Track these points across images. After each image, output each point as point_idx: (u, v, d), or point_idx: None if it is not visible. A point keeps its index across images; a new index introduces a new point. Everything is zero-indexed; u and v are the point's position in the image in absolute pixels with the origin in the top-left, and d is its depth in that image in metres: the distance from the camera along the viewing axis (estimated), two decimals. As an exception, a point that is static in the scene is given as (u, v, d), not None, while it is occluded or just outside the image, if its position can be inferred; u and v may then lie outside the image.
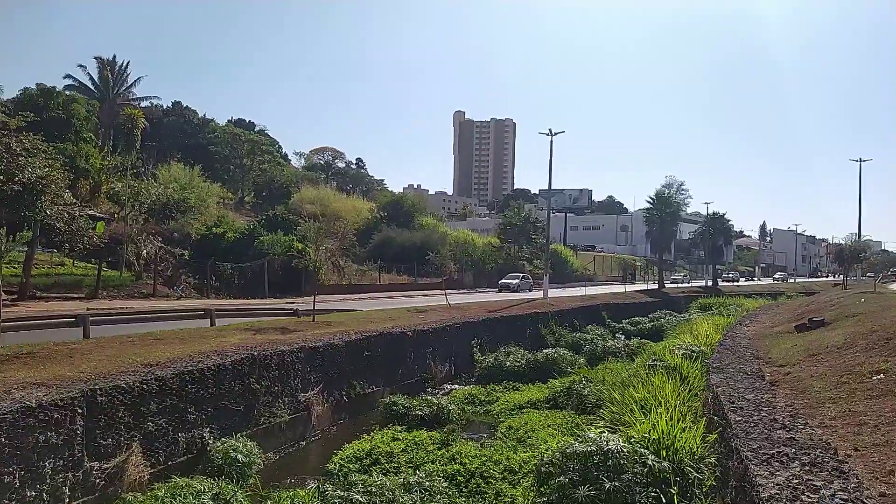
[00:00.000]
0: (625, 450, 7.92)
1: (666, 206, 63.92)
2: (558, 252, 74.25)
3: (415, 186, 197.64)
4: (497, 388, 19.27)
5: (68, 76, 73.37)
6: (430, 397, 16.46)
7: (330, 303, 28.89)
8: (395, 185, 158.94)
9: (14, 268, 25.83)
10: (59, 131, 46.02)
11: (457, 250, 59.68)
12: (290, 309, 23.13)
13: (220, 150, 78.35)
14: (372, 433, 13.93)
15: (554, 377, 19.32)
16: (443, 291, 31.98)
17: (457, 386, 20.65)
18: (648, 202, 66.13)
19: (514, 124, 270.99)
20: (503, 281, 52.65)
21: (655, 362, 14.55)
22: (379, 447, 12.64)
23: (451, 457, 11.80)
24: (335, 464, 12.15)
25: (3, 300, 14.10)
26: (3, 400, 8.63)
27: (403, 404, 15.38)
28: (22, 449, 8.45)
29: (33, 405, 8.73)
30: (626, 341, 25.47)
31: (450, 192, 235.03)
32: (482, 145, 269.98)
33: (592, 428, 9.85)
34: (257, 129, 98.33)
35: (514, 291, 48.66)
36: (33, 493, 8.54)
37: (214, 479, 9.90)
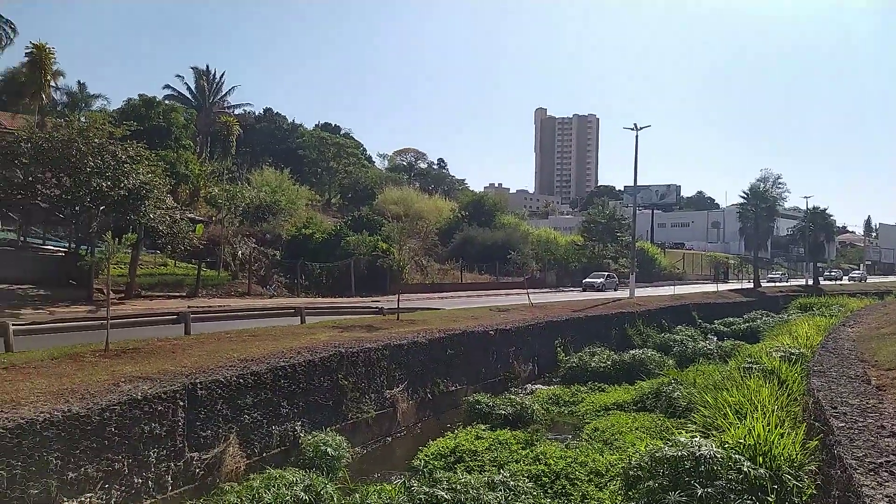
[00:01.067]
0: (718, 455, 7.63)
1: (761, 200, 60.84)
2: (645, 250, 72.23)
3: (496, 185, 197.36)
4: (582, 388, 18.98)
5: (167, 86, 78.00)
6: (513, 396, 16.40)
7: (413, 301, 29.25)
8: (477, 185, 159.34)
9: (121, 268, 27.59)
10: (160, 139, 48.88)
11: (539, 249, 59.12)
12: (375, 307, 23.57)
13: (308, 154, 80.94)
14: (456, 431, 14.03)
15: (641, 379, 18.83)
16: (525, 290, 31.77)
17: (540, 386, 20.47)
18: (742, 197, 63.21)
19: (598, 120, 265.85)
20: (587, 280, 51.71)
21: (751, 365, 13.89)
22: (463, 445, 12.72)
23: (536, 457, 11.73)
24: (420, 460, 12.33)
25: (112, 299, 15.14)
26: (112, 392, 9.25)
27: (487, 403, 15.40)
28: (129, 439, 9.05)
29: (139, 398, 9.32)
30: (719, 343, 24.46)
31: (531, 190, 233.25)
32: (564, 142, 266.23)
33: (683, 432, 9.54)
34: (343, 132, 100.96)
35: (598, 291, 47.73)
36: (140, 481, 9.12)
37: (306, 471, 10.25)
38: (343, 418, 13.49)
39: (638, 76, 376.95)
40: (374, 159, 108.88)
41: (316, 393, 12.95)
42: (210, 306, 24.66)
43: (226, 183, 48.81)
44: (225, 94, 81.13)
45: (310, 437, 11.80)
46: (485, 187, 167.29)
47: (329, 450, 11.31)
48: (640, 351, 21.78)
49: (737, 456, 7.73)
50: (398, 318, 20.78)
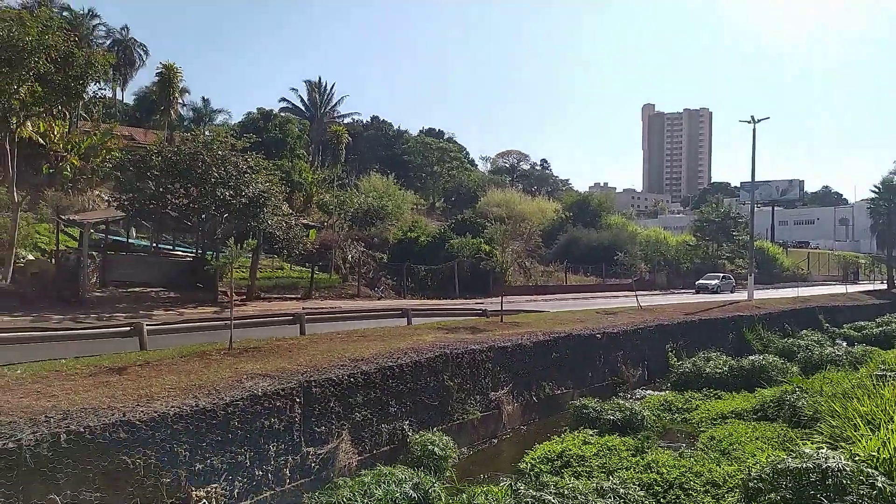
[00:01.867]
0: (848, 469, 7.09)
1: (895, 195, 55.91)
2: (764, 249, 68.22)
3: (601, 185, 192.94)
4: (696, 395, 18.17)
5: (283, 100, 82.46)
6: (621, 402, 15.95)
7: (517, 303, 29.11)
8: (581, 185, 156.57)
9: (243, 272, 29.29)
10: (276, 149, 51.60)
11: (648, 249, 57.24)
12: (479, 309, 23.65)
13: (412, 159, 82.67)
14: (562, 435, 13.84)
15: (761, 386, 17.77)
16: (633, 293, 30.86)
17: (650, 392, 19.80)
18: (873, 191, 58.29)
19: (710, 114, 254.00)
20: (701, 281, 49.49)
21: (885, 372, 12.81)
22: (570, 450, 12.52)
23: (647, 465, 11.35)
24: (527, 463, 12.25)
25: (234, 300, 16.11)
26: (236, 388, 9.84)
27: (594, 407, 15.07)
28: (251, 433, 9.58)
29: (260, 394, 9.86)
30: (849, 348, 22.69)
31: (639, 189, 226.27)
32: (674, 138, 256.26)
33: (808, 443, 8.95)
34: (446, 136, 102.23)
35: (713, 293, 45.55)
36: (260, 473, 9.64)
37: (414, 470, 10.46)
38: (449, 419, 13.64)
39: (753, 67, 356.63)
40: (476, 162, 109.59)
41: (422, 393, 13.18)
42: (322, 307, 25.70)
43: (336, 189, 50.76)
44: (335, 105, 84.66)
45: (417, 437, 12.02)
46: (590, 187, 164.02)
47: (436, 449, 11.48)
48: (760, 357, 20.56)
49: (869, 470, 7.15)
50: (502, 321, 20.77)
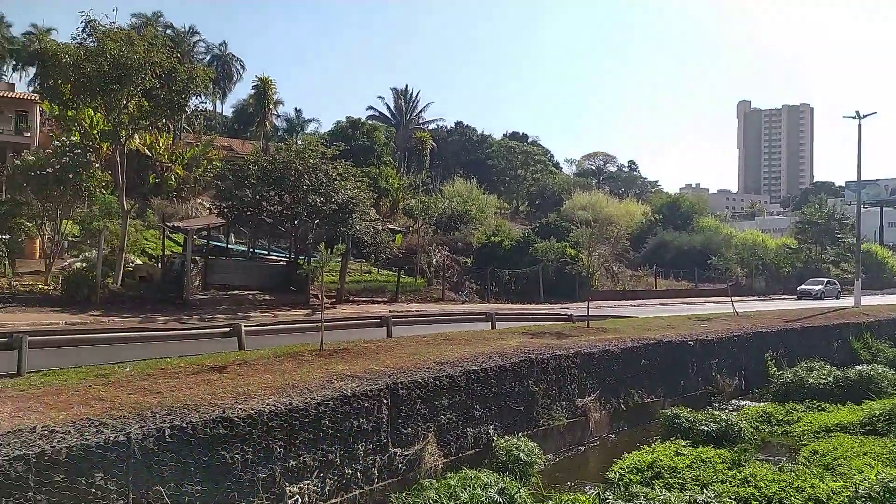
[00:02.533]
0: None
1: None
2: (872, 253, 63.68)
3: (693, 186, 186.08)
4: (797, 407, 17.18)
5: (370, 108, 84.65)
6: (716, 412, 15.32)
7: (603, 308, 28.53)
8: (671, 186, 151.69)
9: (332, 276, 30.15)
10: (364, 156, 52.90)
11: (744, 253, 54.54)
12: (565, 314, 23.33)
13: (496, 163, 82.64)
14: (653, 445, 13.43)
15: (869, 398, 16.59)
16: (728, 298, 29.54)
17: (748, 402, 18.89)
18: None
19: (811, 109, 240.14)
20: (803, 287, 46.84)
21: None
22: (661, 460, 12.13)
23: (744, 478, 10.83)
24: (615, 472, 11.96)
25: (325, 303, 16.63)
26: (326, 388, 10.15)
27: (687, 417, 14.54)
28: (341, 432, 9.85)
29: (349, 394, 10.12)
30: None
31: (734, 189, 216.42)
32: (772, 136, 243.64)
33: (925, 461, 8.27)
34: (530, 140, 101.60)
35: (816, 299, 43.01)
36: (350, 472, 9.89)
37: (499, 474, 10.44)
38: (534, 424, 13.53)
39: (857, 58, 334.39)
40: (561, 165, 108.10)
41: (507, 398, 13.14)
42: (408, 311, 26.11)
43: (421, 195, 51.42)
44: (420, 111, 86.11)
45: (503, 441, 11.99)
46: (680, 188, 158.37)
47: (522, 455, 11.41)
48: (869, 367, 19.19)
49: None
50: (588, 326, 20.41)
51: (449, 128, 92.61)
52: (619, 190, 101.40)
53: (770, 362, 21.14)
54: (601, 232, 46.22)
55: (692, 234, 56.68)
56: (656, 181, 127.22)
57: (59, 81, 24.68)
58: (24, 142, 43.41)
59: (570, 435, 14.42)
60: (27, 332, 11.15)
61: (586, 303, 22.70)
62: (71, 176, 22.62)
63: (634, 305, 34.65)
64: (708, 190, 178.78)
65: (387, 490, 10.23)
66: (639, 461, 12.27)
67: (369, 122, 70.91)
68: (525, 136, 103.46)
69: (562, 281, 37.12)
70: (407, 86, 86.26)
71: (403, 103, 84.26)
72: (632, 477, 11.61)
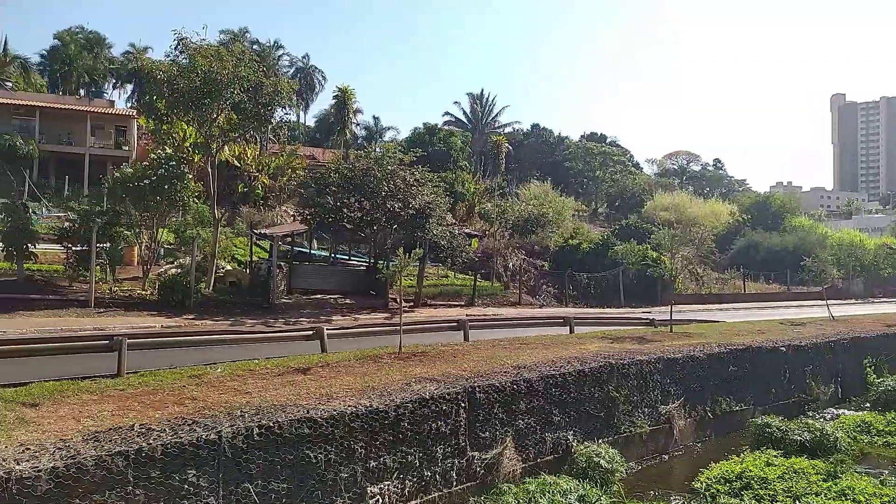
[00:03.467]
0: None
1: None
2: None
3: (783, 184, 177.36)
4: (902, 417, 16.10)
5: (447, 113, 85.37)
6: (810, 421, 14.55)
7: (688, 313, 27.63)
8: (760, 185, 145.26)
9: (410, 280, 30.55)
10: (440, 162, 53.40)
11: (840, 254, 51.44)
12: (646, 318, 22.78)
13: (573, 165, 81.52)
14: (742, 454, 12.90)
15: None
16: (823, 302, 27.94)
17: (845, 411, 17.83)
18: None
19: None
20: (906, 289, 43.74)
21: None
22: (750, 471, 11.62)
23: (841, 491, 10.24)
24: (701, 483, 11.56)
25: (403, 307, 16.91)
26: (405, 391, 10.30)
27: (778, 426, 13.87)
28: (419, 434, 9.98)
29: (427, 397, 10.24)
30: None
31: (828, 187, 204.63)
32: (870, 129, 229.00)
33: None
34: (609, 140, 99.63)
35: (922, 302, 40.05)
36: (428, 474, 10.00)
37: (579, 481, 10.29)
38: (615, 431, 13.25)
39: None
40: (641, 165, 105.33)
41: (587, 403, 12.93)
42: (485, 315, 26.11)
43: (497, 199, 51.37)
44: (496, 115, 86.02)
45: (582, 447, 11.81)
46: (770, 187, 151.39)
47: (602, 462, 11.21)
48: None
49: None
50: (671, 331, 19.81)
51: (525, 131, 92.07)
52: (703, 190, 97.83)
53: (869, 369, 19.92)
54: (684, 233, 44.68)
55: (783, 234, 53.99)
56: (744, 180, 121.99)
57: (155, 97, 26.21)
58: (123, 155, 46.32)
59: (653, 443, 14.04)
60: (126, 334, 11.88)
61: (669, 307, 22.02)
62: (166, 187, 23.90)
63: (721, 310, 33.32)
64: (800, 188, 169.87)
65: (465, 493, 10.27)
66: (727, 471, 11.81)
67: (445, 127, 71.51)
68: (603, 137, 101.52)
69: (643, 284, 36.18)
70: (483, 90, 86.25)
71: (479, 108, 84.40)
72: (719, 487, 11.20)
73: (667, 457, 14.13)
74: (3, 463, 6.28)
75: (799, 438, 13.35)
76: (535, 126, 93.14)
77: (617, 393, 13.51)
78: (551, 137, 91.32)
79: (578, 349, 15.20)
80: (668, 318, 20.68)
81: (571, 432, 12.34)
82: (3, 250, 22.17)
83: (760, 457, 12.47)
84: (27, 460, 6.43)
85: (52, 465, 6.44)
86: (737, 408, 16.19)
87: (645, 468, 13.37)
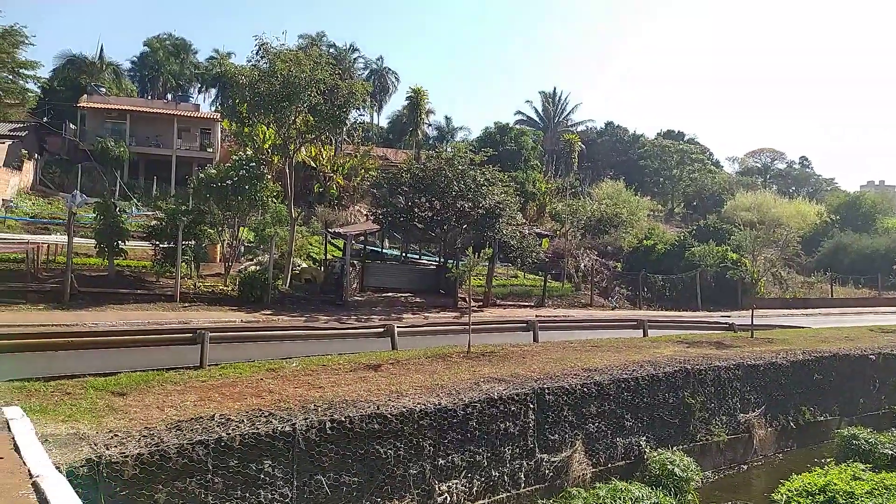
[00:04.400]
0: None
1: None
2: None
3: (875, 183, 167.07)
4: None
5: (518, 112, 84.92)
6: (904, 435, 13.68)
7: (770, 317, 26.51)
8: (849, 184, 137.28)
9: (480, 279, 30.56)
10: (511, 161, 53.10)
11: (941, 257, 48.19)
12: (725, 323, 21.99)
13: (649, 164, 79.47)
14: (826, 467, 12.26)
15: None
16: (921, 308, 26.23)
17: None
18: None
19: None
20: None
21: None
22: (835, 484, 11.02)
23: (938, 512, 9.58)
24: (782, 495, 11.06)
25: (472, 307, 16.95)
26: (474, 390, 10.33)
27: (867, 439, 13.13)
28: (487, 434, 9.98)
29: (496, 397, 10.23)
30: None
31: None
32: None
33: None
34: (686, 138, 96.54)
35: None
36: (496, 474, 9.99)
37: (652, 489, 10.05)
38: (690, 438, 12.86)
39: None
40: (721, 163, 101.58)
41: (660, 409, 12.60)
42: (555, 316, 25.83)
43: (569, 198, 50.73)
44: (569, 113, 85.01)
45: (656, 454, 11.53)
46: (861, 186, 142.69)
47: (677, 469, 10.91)
48: None
49: None
50: (752, 336, 19.05)
51: (598, 129, 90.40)
52: (788, 189, 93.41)
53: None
54: (768, 234, 42.79)
55: (874, 236, 50.89)
56: (832, 178, 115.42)
57: (237, 101, 27.25)
58: (207, 157, 48.39)
59: (730, 452, 13.56)
60: (208, 328, 12.41)
61: (749, 311, 21.16)
62: (247, 187, 24.82)
63: (806, 315, 31.76)
64: (893, 187, 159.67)
65: (533, 495, 10.21)
66: (809, 484, 11.25)
67: (517, 126, 71.04)
68: (681, 134, 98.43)
69: (722, 287, 34.92)
70: (555, 88, 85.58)
71: (551, 106, 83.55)
72: (801, 500, 10.70)
73: (745, 467, 13.63)
74: (95, 447, 6.68)
75: (890, 452, 12.62)
76: (608, 124, 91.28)
77: (693, 399, 13.10)
78: (626, 135, 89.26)
79: (652, 353, 14.84)
80: (749, 322, 19.90)
81: (644, 438, 12.06)
82: (96, 247, 23.52)
83: (846, 470, 11.81)
84: (115, 446, 6.82)
85: (137, 451, 6.81)
86: (821, 418, 15.44)
87: (721, 478, 12.93)
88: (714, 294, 35.61)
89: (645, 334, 18.70)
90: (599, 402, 11.59)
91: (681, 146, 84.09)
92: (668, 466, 10.97)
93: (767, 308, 32.97)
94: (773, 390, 14.75)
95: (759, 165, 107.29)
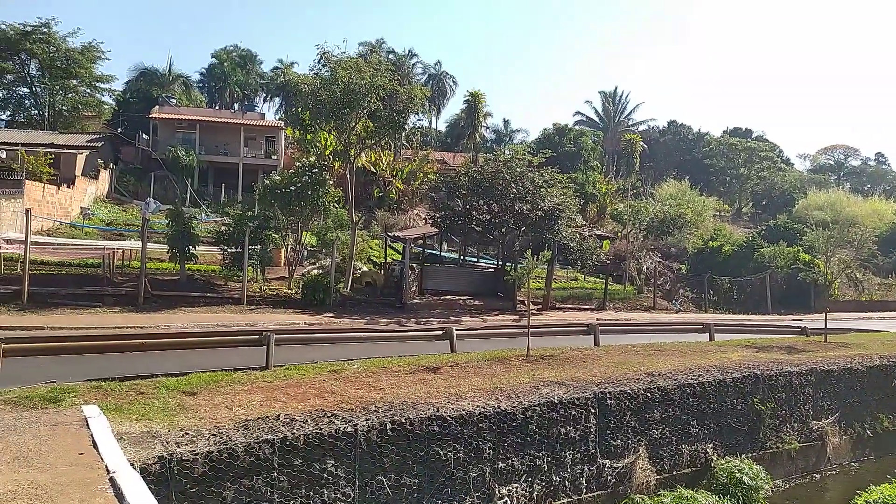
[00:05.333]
0: None
1: None
2: None
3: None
4: None
5: (577, 113, 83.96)
6: None
7: (845, 321, 25.36)
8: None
9: (538, 282, 30.35)
10: (570, 162, 52.59)
11: None
12: (797, 327, 21.17)
13: (715, 163, 77.22)
14: (907, 479, 11.63)
15: None
16: None
17: None
18: None
19: None
20: None
21: None
22: (918, 498, 10.45)
23: None
24: (859, 507, 10.57)
25: (531, 310, 16.83)
26: (533, 394, 10.27)
27: (954, 451, 12.38)
28: (548, 438, 9.90)
29: (556, 401, 10.14)
30: None
31: None
32: None
33: None
34: (755, 135, 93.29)
35: None
36: (557, 479, 9.90)
37: (719, 497, 9.78)
38: (759, 446, 12.43)
39: None
40: (792, 161, 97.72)
41: (728, 415, 12.23)
42: (616, 319, 25.40)
43: (630, 199, 49.80)
44: (630, 113, 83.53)
45: (723, 462, 11.21)
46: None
47: (745, 478, 10.58)
48: None
49: None
50: (825, 340, 18.26)
51: (661, 128, 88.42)
52: (863, 186, 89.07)
53: None
54: (842, 235, 40.84)
55: (962, 235, 48.01)
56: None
57: (300, 109, 27.96)
58: (272, 164, 49.78)
59: (802, 460, 13.04)
60: (274, 330, 12.77)
61: (823, 314, 20.27)
62: (310, 193, 25.44)
63: (884, 318, 30.23)
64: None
65: (595, 502, 10.08)
66: (888, 496, 10.70)
67: (576, 127, 70.28)
68: (748, 132, 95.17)
69: (793, 289, 33.63)
70: (616, 88, 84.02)
71: (612, 106, 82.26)
72: (881, 514, 10.17)
73: (818, 476, 13.07)
74: (166, 445, 6.98)
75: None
76: (671, 122, 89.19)
77: (762, 406, 12.66)
78: (690, 134, 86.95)
79: (719, 358, 14.41)
80: (823, 326, 19.08)
81: (711, 445, 11.73)
82: (168, 252, 24.54)
83: (931, 483, 11.18)
84: (186, 444, 7.10)
85: (207, 449, 7.07)
86: (903, 427, 14.65)
87: (793, 487, 12.45)
88: (785, 297, 34.36)
89: (712, 338, 18.18)
90: (664, 408, 11.33)
91: (748, 144, 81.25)
92: (737, 474, 10.64)
93: (842, 311, 31.55)
94: (847, 397, 14.12)
95: (832, 163, 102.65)
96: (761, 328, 22.08)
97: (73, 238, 29.51)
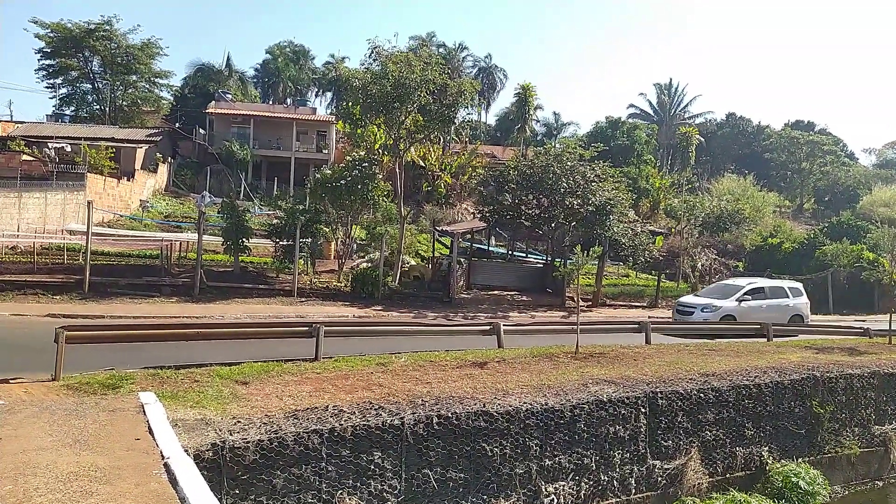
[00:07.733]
0: None
1: None
2: None
3: None
4: None
5: (631, 105, 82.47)
6: None
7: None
8: None
9: (588, 278, 29.96)
10: (623, 156, 51.67)
11: None
12: (860, 328, 20.34)
13: (775, 157, 74.69)
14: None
15: None
16: None
17: None
18: None
19: None
20: None
21: None
22: None
23: None
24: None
25: (581, 306, 16.63)
26: (581, 392, 10.13)
27: None
28: (596, 437, 9.76)
29: (605, 399, 9.98)
30: None
31: None
32: None
33: None
34: (818, 129, 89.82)
35: None
36: (605, 479, 9.75)
37: (774, 502, 9.48)
38: (817, 450, 11.99)
39: None
40: (856, 156, 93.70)
41: (785, 418, 11.83)
42: (669, 317, 24.82)
43: (685, 194, 48.62)
44: (686, 105, 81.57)
45: (779, 466, 10.87)
46: None
47: (802, 483, 10.23)
48: None
49: None
50: (890, 342, 17.48)
51: (718, 121, 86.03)
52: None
53: None
54: (911, 232, 39.06)
55: None
56: None
57: (350, 103, 28.23)
58: (323, 158, 50.52)
59: (863, 466, 12.53)
60: (323, 322, 12.93)
61: (888, 315, 19.38)
62: (359, 187, 25.66)
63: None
64: None
65: (645, 503, 9.88)
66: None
67: (630, 120, 69.04)
68: (811, 125, 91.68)
69: (856, 289, 32.26)
70: (671, 80, 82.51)
71: (667, 98, 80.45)
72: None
73: (881, 483, 12.55)
74: (219, 433, 7.15)
75: None
76: (730, 115, 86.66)
77: (821, 409, 12.20)
78: (749, 127, 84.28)
79: (776, 359, 13.95)
80: (888, 327, 18.25)
81: (766, 448, 11.38)
82: (222, 244, 25.14)
83: None
84: (238, 432, 7.27)
85: (258, 437, 7.22)
86: (976, 436, 13.88)
87: (852, 493, 11.99)
88: (847, 296, 33.02)
89: (769, 339, 17.61)
90: (717, 409, 11.03)
91: (811, 137, 78.23)
92: (793, 479, 10.31)
93: (911, 312, 30.10)
94: (915, 402, 13.47)
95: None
96: (822, 329, 21.24)
97: (132, 230, 30.59)
